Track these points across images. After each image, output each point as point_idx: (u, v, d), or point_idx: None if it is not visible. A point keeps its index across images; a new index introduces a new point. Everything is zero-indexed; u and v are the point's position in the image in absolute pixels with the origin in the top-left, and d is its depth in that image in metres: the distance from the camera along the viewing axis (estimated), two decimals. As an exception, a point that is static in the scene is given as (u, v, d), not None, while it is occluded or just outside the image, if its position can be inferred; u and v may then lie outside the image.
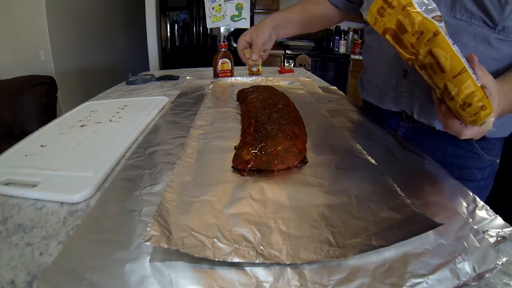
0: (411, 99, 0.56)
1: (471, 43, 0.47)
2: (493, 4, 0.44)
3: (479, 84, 0.36)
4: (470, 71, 0.36)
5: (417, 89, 0.54)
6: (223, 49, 1.03)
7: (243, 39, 0.75)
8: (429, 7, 0.38)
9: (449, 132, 0.42)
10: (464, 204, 0.37)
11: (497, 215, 0.35)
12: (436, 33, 0.37)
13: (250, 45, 0.75)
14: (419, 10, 0.37)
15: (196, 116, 0.63)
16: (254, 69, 1.12)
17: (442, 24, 0.38)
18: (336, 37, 3.35)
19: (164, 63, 2.91)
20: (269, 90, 0.69)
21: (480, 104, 0.36)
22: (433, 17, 0.38)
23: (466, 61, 0.37)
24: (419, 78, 0.42)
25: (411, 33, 0.38)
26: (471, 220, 0.34)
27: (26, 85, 1.85)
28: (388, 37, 0.41)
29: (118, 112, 0.70)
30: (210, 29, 2.69)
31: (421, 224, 0.31)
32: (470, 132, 0.40)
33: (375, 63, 0.64)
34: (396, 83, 0.57)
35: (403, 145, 0.53)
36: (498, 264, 0.27)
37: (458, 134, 0.41)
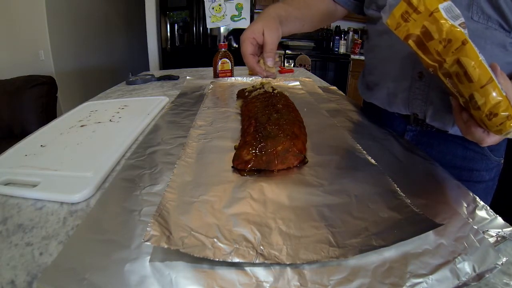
0: (425, 102, 0.53)
1: (488, 46, 0.46)
2: (509, 8, 0.43)
3: (504, 94, 0.35)
4: (496, 80, 0.35)
5: (432, 92, 0.52)
6: (223, 49, 1.03)
7: (251, 37, 0.57)
8: (455, 14, 0.37)
9: (470, 139, 0.41)
10: (464, 204, 0.37)
11: (497, 215, 0.35)
12: (464, 42, 0.35)
13: (258, 45, 0.59)
14: (446, 16, 0.36)
15: (196, 116, 0.63)
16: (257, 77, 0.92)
17: (466, 31, 0.37)
18: (336, 37, 3.36)
19: (164, 63, 2.92)
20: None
21: (506, 114, 0.35)
22: (459, 24, 0.36)
23: (491, 69, 0.35)
24: (435, 81, 0.40)
25: (437, 40, 0.37)
26: (471, 220, 0.34)
27: (26, 85, 1.85)
28: (411, 42, 0.39)
29: (118, 112, 0.70)
30: (210, 29, 2.69)
31: (421, 224, 0.31)
32: (492, 140, 0.39)
33: (385, 64, 0.59)
34: (410, 85, 0.55)
35: (403, 145, 0.53)
36: (498, 264, 0.27)
37: (479, 141, 0.40)
